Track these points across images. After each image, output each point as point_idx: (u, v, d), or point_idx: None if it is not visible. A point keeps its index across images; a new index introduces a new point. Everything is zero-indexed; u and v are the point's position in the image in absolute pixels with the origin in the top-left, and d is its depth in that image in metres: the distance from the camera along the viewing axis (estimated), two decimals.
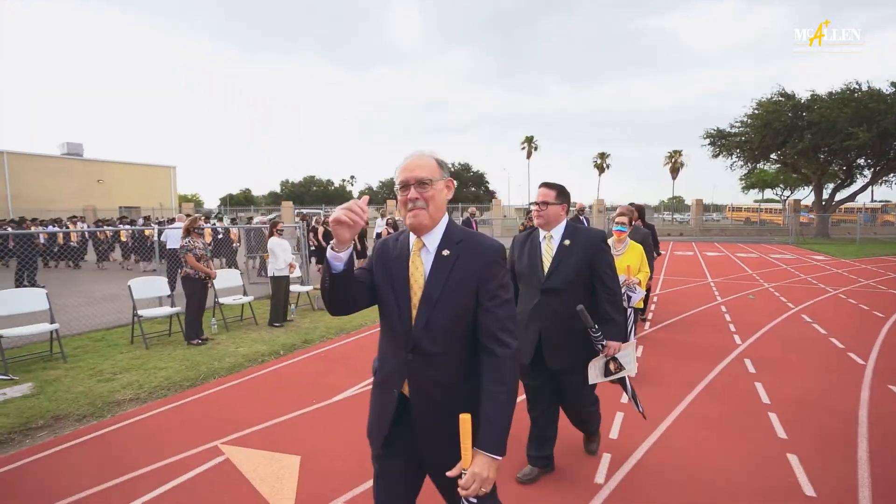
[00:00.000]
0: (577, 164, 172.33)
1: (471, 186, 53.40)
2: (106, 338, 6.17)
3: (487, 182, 54.28)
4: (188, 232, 5.91)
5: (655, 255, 7.38)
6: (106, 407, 3.92)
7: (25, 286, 10.39)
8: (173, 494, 2.69)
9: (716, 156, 29.58)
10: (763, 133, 26.04)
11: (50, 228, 14.23)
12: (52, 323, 5.23)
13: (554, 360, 2.56)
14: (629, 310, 4.12)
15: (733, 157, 29.26)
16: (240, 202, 62.26)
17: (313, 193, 64.91)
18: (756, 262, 14.47)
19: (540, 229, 2.63)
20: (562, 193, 2.58)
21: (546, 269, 2.56)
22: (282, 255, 6.85)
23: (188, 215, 7.31)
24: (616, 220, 4.32)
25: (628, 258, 4.17)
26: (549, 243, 2.59)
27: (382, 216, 13.38)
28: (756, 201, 51.89)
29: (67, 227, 15.03)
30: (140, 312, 5.79)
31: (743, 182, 46.33)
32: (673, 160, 56.21)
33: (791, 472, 2.85)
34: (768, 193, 53.10)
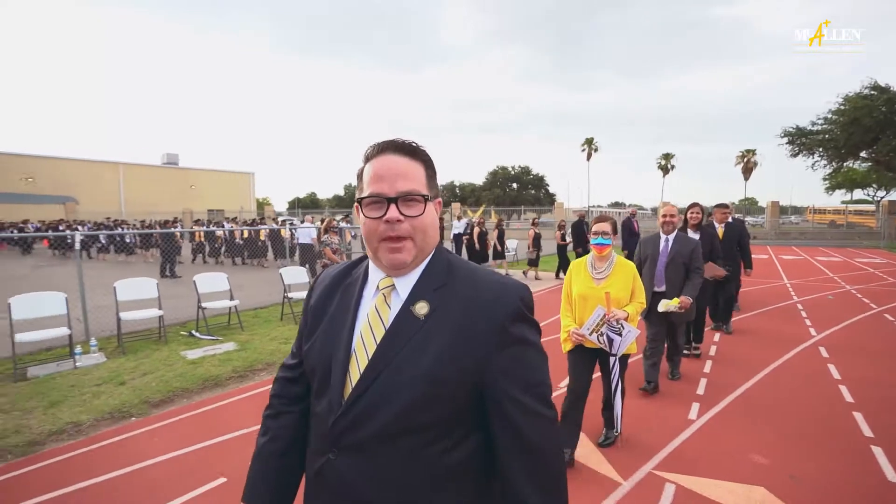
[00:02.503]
0: (638, 163, 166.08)
1: (530, 189, 53.69)
2: (258, 315, 7.73)
3: (547, 185, 54.44)
4: (326, 230, 7.31)
5: (747, 270, 6.38)
6: None
7: (167, 276, 12.64)
8: None
9: (795, 155, 28.10)
10: (850, 130, 24.49)
11: (227, 226, 17.16)
12: (231, 300, 6.80)
13: None
14: (612, 360, 3.00)
15: (815, 156, 27.67)
16: (306, 205, 66.67)
17: None
18: (839, 266, 14.08)
19: (372, 266, 1.02)
20: (434, 174, 1.04)
21: (354, 377, 0.91)
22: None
23: (320, 218, 8.80)
24: (594, 229, 3.08)
25: (612, 282, 3.01)
26: (384, 304, 0.96)
27: (458, 219, 14.12)
28: (843, 202, 47.98)
29: (230, 227, 17.44)
30: (290, 294, 7.27)
31: (827, 182, 43.17)
32: (745, 160, 53.23)
33: (854, 421, 3.55)
34: (858, 194, 48.96)
